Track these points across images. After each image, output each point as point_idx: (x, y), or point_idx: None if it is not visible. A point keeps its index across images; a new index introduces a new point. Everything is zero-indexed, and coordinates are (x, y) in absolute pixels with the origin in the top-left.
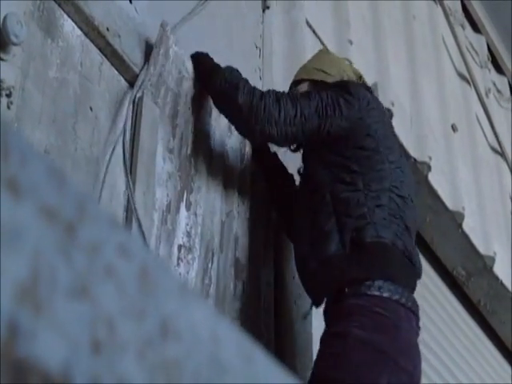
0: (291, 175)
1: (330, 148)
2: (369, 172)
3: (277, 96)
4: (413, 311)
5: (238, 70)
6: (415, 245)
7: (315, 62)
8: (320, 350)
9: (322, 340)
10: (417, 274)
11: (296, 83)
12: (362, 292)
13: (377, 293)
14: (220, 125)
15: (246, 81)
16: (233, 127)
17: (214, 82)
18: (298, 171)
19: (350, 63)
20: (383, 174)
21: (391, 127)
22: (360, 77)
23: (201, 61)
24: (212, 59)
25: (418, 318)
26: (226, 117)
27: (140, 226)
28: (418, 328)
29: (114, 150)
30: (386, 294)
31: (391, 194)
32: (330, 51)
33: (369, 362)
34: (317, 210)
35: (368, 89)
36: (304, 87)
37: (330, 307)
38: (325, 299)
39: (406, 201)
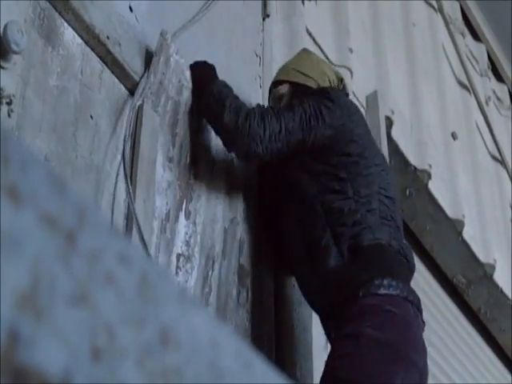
0: None
1: (314, 157)
2: (357, 178)
3: (261, 114)
4: (417, 307)
5: (228, 86)
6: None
7: (296, 63)
8: (332, 352)
9: (335, 342)
10: (412, 269)
11: (275, 84)
12: (372, 292)
13: (386, 291)
14: None
15: (234, 98)
16: None
17: (202, 98)
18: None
19: (330, 65)
20: (371, 178)
21: (369, 129)
22: (341, 79)
23: (196, 73)
24: (209, 70)
25: (421, 313)
26: (215, 133)
27: (141, 234)
28: (423, 323)
29: (122, 159)
30: (394, 292)
31: (380, 196)
32: (311, 52)
33: (383, 361)
34: (309, 223)
35: (347, 94)
36: (284, 89)
37: (338, 311)
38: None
39: (393, 201)
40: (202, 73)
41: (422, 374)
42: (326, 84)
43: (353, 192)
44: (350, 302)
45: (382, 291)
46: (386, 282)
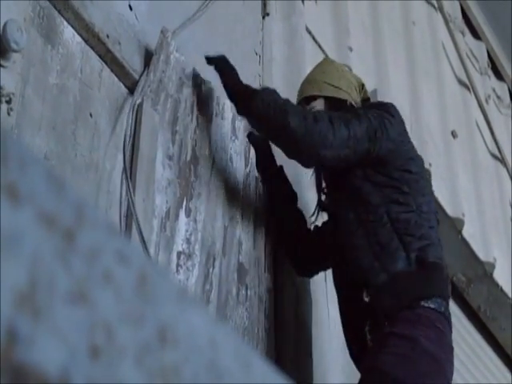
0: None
1: (377, 168)
2: (417, 194)
3: (329, 118)
4: (451, 325)
5: (275, 91)
6: None
7: (323, 74)
8: (384, 346)
9: (389, 337)
10: (450, 293)
11: (307, 99)
12: (429, 306)
13: (438, 308)
14: (222, 130)
15: (291, 102)
16: (237, 131)
17: (254, 107)
18: (321, 188)
19: (350, 70)
20: (428, 198)
21: None
22: (362, 84)
23: (231, 84)
24: (237, 78)
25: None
26: (273, 140)
27: (141, 232)
28: None
29: (123, 157)
30: (442, 310)
31: (435, 216)
32: (333, 61)
33: (431, 373)
34: (374, 228)
35: (369, 99)
36: (319, 105)
37: (391, 310)
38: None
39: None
40: (236, 85)
41: None
42: (354, 93)
43: (415, 206)
44: (409, 306)
45: (436, 307)
46: (439, 300)
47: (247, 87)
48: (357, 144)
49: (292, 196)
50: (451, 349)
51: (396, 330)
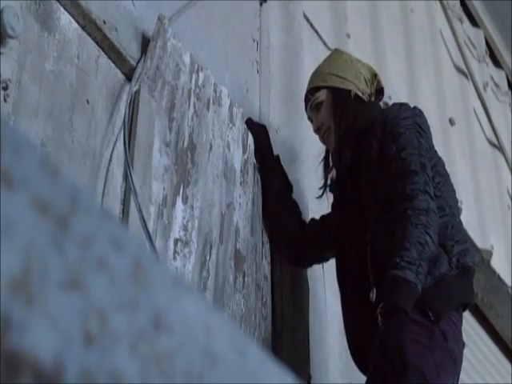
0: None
1: None
2: (449, 197)
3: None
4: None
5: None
6: None
7: (329, 65)
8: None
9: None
10: None
11: (312, 91)
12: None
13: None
14: (220, 117)
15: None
16: (235, 118)
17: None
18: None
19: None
20: (454, 201)
21: None
22: (375, 74)
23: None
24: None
25: None
26: None
27: (143, 218)
28: None
29: (123, 145)
30: (461, 311)
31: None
32: (343, 51)
33: (445, 366)
34: None
35: (382, 89)
36: (322, 95)
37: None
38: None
39: None
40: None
41: None
42: (363, 84)
43: (450, 211)
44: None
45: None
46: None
47: None
48: (428, 176)
49: (286, 186)
50: (463, 346)
51: (414, 316)
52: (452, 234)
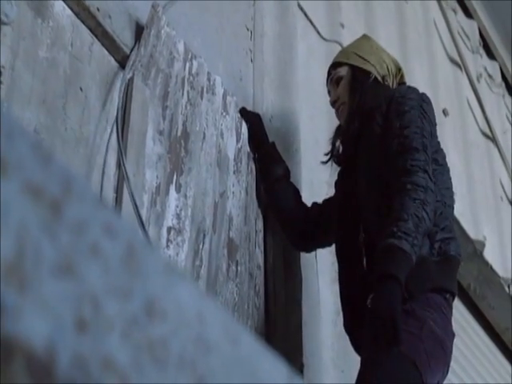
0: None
1: None
2: (442, 187)
3: (423, 204)
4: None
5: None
6: None
7: (355, 46)
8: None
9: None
10: None
11: (335, 65)
12: (442, 294)
13: (446, 295)
14: (213, 105)
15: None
16: (228, 106)
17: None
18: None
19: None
20: (451, 192)
21: None
22: (399, 69)
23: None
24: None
25: None
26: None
27: (136, 206)
28: None
29: (116, 132)
30: (447, 297)
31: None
32: (372, 38)
33: (436, 355)
34: None
35: (404, 83)
36: (343, 71)
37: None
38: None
39: None
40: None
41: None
42: (384, 71)
43: (441, 198)
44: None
45: (444, 294)
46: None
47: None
48: (428, 157)
49: (286, 172)
50: (453, 336)
51: (407, 307)
52: (438, 221)
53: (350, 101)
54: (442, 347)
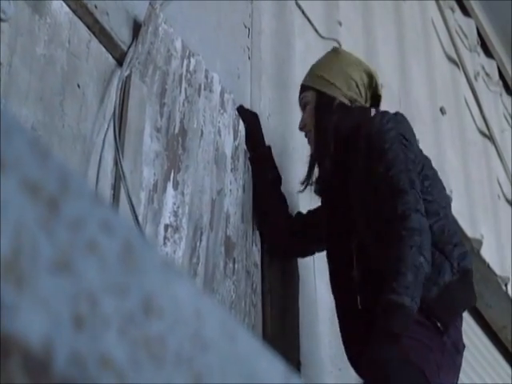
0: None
1: None
2: (440, 199)
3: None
4: None
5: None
6: None
7: (322, 67)
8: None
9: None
10: None
11: (302, 88)
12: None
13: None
14: (211, 103)
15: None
16: (226, 104)
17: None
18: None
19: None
20: (446, 199)
21: None
22: (372, 80)
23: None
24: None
25: None
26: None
27: (131, 203)
28: None
29: (113, 130)
30: (462, 313)
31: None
32: (341, 52)
33: (445, 366)
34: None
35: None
36: (309, 96)
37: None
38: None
39: None
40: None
41: None
42: (352, 92)
43: (443, 214)
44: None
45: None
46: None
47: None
48: (417, 193)
49: (276, 179)
50: (463, 348)
51: (420, 319)
52: (449, 238)
53: (315, 130)
54: (451, 358)
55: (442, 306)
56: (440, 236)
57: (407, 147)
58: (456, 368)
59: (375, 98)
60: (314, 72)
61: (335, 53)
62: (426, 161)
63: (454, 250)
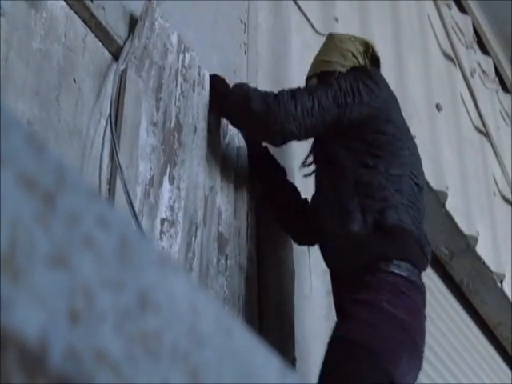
0: (283, 168)
1: (353, 134)
2: (390, 157)
3: (291, 92)
4: (424, 300)
5: (246, 84)
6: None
7: (321, 52)
8: (347, 314)
9: (350, 305)
10: (426, 264)
11: (307, 81)
12: (391, 270)
13: (404, 274)
14: (203, 100)
15: (256, 89)
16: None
17: (226, 101)
18: (304, 163)
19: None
20: (403, 160)
21: (403, 116)
22: (367, 45)
23: (215, 85)
24: (227, 85)
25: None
26: (245, 128)
27: (129, 198)
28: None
29: (109, 124)
30: (411, 278)
31: (410, 180)
32: (335, 34)
33: (396, 339)
34: (339, 190)
35: (378, 58)
36: (312, 82)
37: (353, 275)
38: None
39: (421, 190)
40: (221, 85)
41: (421, 361)
42: (350, 60)
43: (384, 169)
44: (369, 270)
45: (401, 272)
46: (404, 264)
47: (226, 87)
48: (323, 112)
49: (283, 170)
50: (422, 317)
51: (358, 296)
52: (374, 192)
53: None
54: (404, 328)
55: (343, 254)
56: (366, 188)
57: (364, 84)
58: (410, 334)
59: (375, 63)
60: (314, 61)
61: (330, 37)
62: (397, 122)
63: (374, 204)
